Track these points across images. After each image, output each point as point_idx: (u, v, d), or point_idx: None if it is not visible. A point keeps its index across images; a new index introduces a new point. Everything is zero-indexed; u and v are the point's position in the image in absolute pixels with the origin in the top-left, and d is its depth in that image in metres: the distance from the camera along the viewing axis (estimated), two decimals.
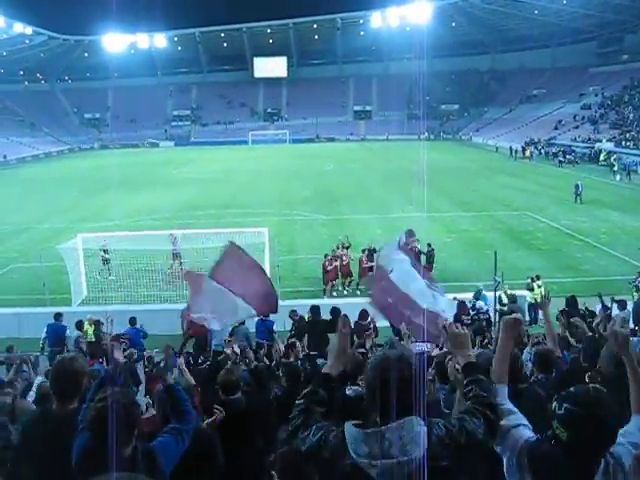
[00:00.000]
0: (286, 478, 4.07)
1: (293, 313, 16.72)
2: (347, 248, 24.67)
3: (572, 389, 3.24)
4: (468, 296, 18.71)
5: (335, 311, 15.89)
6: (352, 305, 16.68)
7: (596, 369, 5.09)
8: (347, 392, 6.39)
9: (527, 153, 72.79)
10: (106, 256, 25.46)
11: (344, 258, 24.19)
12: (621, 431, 3.28)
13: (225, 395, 6.33)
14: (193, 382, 5.85)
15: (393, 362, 3.11)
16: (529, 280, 20.38)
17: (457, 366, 3.82)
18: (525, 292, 20.23)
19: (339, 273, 24.19)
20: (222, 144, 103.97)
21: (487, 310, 17.37)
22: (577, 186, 40.75)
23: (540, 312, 18.70)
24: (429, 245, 24.55)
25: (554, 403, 3.20)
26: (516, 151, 73.36)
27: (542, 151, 74.94)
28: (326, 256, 24.06)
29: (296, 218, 37.82)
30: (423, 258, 23.52)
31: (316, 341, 14.28)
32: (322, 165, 67.52)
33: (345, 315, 3.86)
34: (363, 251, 24.06)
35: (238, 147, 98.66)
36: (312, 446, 3.18)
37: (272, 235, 25.60)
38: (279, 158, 78.63)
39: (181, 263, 26.03)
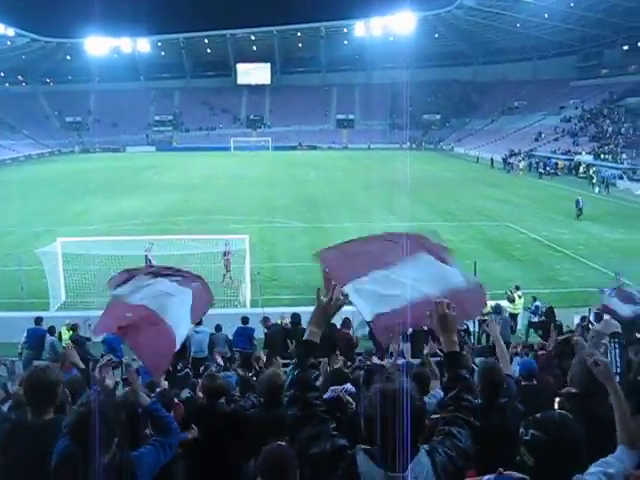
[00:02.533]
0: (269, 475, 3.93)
1: (265, 320, 16.56)
2: None
3: (538, 415, 3.19)
4: None
5: (295, 317, 15.91)
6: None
7: (565, 391, 5.05)
8: (325, 395, 6.42)
9: (521, 166, 72.51)
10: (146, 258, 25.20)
11: None
12: (599, 460, 3.23)
13: (208, 400, 6.30)
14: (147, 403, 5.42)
15: (395, 398, 2.91)
16: (509, 292, 20.45)
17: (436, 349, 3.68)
18: (504, 303, 20.30)
19: None
20: (204, 150, 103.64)
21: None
22: (578, 201, 40.01)
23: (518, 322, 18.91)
24: None
25: (521, 429, 3.14)
26: (509, 164, 73.45)
27: (521, 163, 75.47)
28: None
29: (277, 225, 37.79)
30: None
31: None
32: (304, 173, 67.54)
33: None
34: None
35: (220, 153, 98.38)
36: (322, 454, 3.03)
37: (253, 242, 25.59)
38: (261, 165, 78.51)
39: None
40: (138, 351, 5.55)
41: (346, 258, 5.06)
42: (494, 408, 4.92)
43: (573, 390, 4.66)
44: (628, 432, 3.46)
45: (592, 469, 3.16)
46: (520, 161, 74.89)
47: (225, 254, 24.98)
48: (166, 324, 5.48)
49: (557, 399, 4.80)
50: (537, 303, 19.61)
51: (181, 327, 5.61)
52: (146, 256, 25.24)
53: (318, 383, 7.75)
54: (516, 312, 19.90)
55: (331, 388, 6.73)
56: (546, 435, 3.02)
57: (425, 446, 3.05)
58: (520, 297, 20.16)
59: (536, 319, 18.77)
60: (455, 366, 3.41)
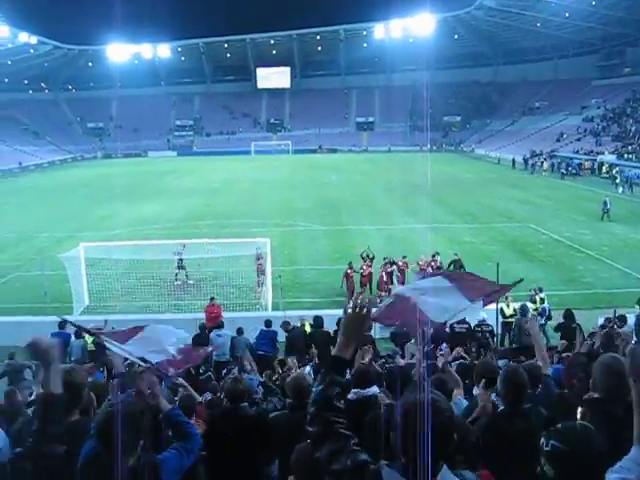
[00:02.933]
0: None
1: (286, 324, 16.50)
2: (371, 259, 24.58)
3: (559, 425, 3.15)
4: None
5: (317, 319, 15.88)
6: None
7: (587, 397, 4.92)
8: (349, 396, 6.42)
9: (545, 166, 72.18)
10: (181, 261, 25.56)
11: (364, 268, 24.12)
12: (616, 465, 3.11)
13: (232, 404, 6.32)
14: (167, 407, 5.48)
15: (422, 410, 2.83)
16: (532, 292, 20.28)
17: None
18: (528, 304, 20.11)
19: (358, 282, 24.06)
20: (225, 154, 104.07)
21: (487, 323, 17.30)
22: (605, 203, 39.32)
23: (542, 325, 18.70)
24: (455, 255, 24.99)
25: (542, 439, 3.10)
26: (533, 165, 72.94)
27: (543, 163, 74.88)
28: (350, 265, 23.97)
29: (298, 229, 37.83)
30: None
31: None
32: (324, 176, 67.63)
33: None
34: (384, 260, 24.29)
35: (241, 157, 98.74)
36: (343, 470, 2.95)
37: (274, 245, 25.66)
38: (281, 169, 78.70)
39: (187, 273, 26.10)
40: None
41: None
42: (518, 413, 4.85)
43: (595, 395, 4.54)
44: None
45: (610, 475, 3.07)
46: (543, 161, 74.43)
47: (258, 258, 25.03)
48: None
49: (580, 409, 4.70)
50: (545, 305, 19.38)
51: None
52: (180, 260, 25.48)
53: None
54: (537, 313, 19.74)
55: (353, 391, 6.70)
56: (567, 446, 2.98)
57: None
58: (543, 299, 19.94)
59: (543, 321, 18.56)
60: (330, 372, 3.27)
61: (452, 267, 24.43)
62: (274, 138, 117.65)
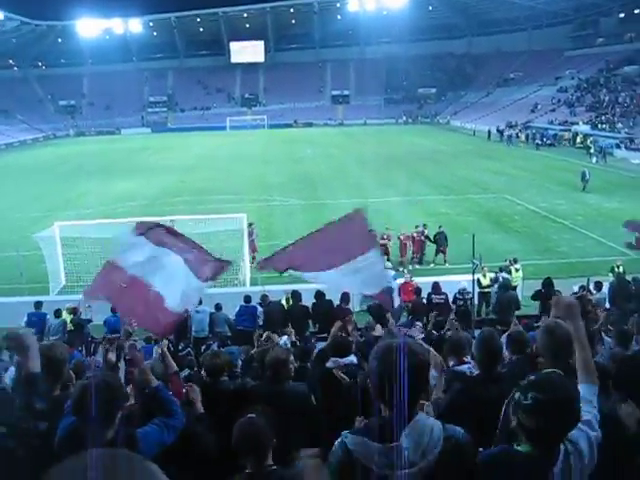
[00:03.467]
0: None
1: (264, 298, 16.55)
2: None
3: (532, 377, 3.22)
4: (446, 278, 18.97)
5: (295, 294, 15.96)
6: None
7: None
8: (327, 364, 6.54)
9: (522, 137, 72.43)
10: None
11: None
12: None
13: (211, 378, 6.34)
14: (175, 369, 5.78)
15: (401, 352, 3.02)
16: (507, 263, 20.49)
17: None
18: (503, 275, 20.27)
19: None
20: (199, 130, 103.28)
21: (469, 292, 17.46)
22: (584, 174, 39.34)
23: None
24: (439, 227, 25.19)
25: (516, 395, 3.13)
26: (510, 136, 73.18)
27: (519, 134, 75.16)
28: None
29: (274, 204, 37.77)
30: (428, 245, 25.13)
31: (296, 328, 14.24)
32: (300, 150, 67.37)
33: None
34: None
35: (216, 133, 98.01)
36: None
37: (250, 221, 25.56)
38: (257, 144, 78.29)
39: None
40: (131, 316, 5.98)
41: (302, 255, 6.31)
42: (492, 379, 4.92)
43: (541, 359, 4.70)
44: (590, 369, 3.57)
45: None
46: (519, 133, 74.75)
47: (250, 235, 25.01)
48: (153, 287, 5.61)
49: (539, 359, 4.81)
50: (502, 274, 19.49)
51: (174, 288, 5.71)
52: None
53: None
54: (513, 285, 19.85)
55: (332, 359, 6.77)
56: (548, 396, 3.04)
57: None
58: (517, 270, 20.10)
59: (496, 289, 18.63)
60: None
61: (437, 240, 24.71)
62: (249, 113, 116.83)
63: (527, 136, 72.31)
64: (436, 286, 17.21)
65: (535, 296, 16.90)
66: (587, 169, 40.61)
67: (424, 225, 25.26)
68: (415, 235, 24.74)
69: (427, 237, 24.84)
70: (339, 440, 3.13)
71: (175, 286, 5.74)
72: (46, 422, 4.23)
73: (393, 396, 2.93)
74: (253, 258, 24.77)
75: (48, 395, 4.50)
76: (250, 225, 25.28)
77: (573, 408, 3.09)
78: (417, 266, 24.75)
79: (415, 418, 3.02)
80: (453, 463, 3.02)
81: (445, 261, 24.53)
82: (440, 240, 24.61)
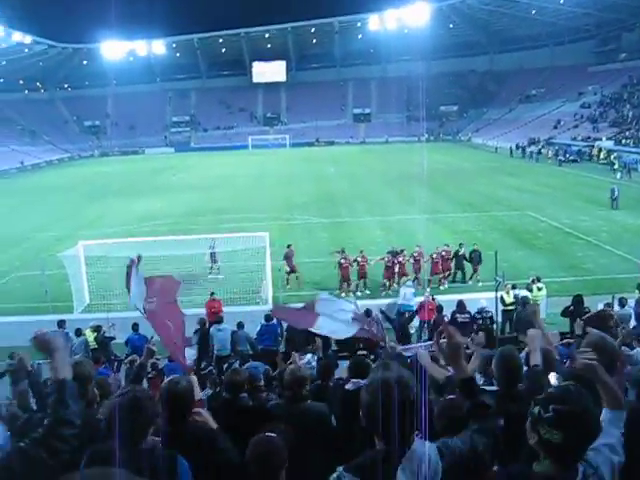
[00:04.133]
0: None
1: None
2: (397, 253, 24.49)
3: (551, 390, 3.17)
4: (469, 296, 18.80)
5: None
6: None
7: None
8: (347, 386, 6.53)
9: (549, 153, 71.83)
10: (215, 256, 25.94)
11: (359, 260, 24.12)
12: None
13: (230, 395, 6.34)
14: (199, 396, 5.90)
15: (392, 386, 3.01)
16: (530, 281, 20.24)
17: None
18: (526, 292, 19.99)
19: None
20: (222, 149, 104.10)
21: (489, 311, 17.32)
22: (613, 190, 38.55)
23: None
24: (475, 245, 24.99)
25: (535, 409, 3.10)
26: (532, 153, 72.75)
27: (542, 150, 74.78)
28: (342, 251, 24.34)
29: (296, 222, 37.84)
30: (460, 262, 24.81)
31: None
32: (322, 169, 67.61)
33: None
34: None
35: (238, 152, 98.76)
36: None
37: (272, 239, 25.64)
38: (279, 162, 78.74)
39: (219, 267, 26.29)
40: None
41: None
42: (511, 397, 4.87)
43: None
44: (612, 394, 3.44)
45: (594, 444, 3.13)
46: (548, 149, 74.28)
47: (289, 257, 25.16)
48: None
49: (552, 374, 4.76)
50: (516, 292, 19.17)
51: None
52: (212, 254, 25.56)
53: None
54: (537, 302, 19.51)
55: (352, 381, 6.74)
56: (569, 407, 2.98)
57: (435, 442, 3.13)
58: (540, 289, 19.73)
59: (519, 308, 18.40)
60: (471, 393, 3.64)
61: (471, 258, 24.41)
62: (271, 132, 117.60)
63: (555, 152, 71.43)
64: (460, 304, 17.02)
65: (564, 313, 16.63)
66: (616, 186, 39.91)
67: (460, 244, 24.95)
68: (444, 253, 24.52)
69: (463, 256, 24.56)
70: (334, 477, 3.09)
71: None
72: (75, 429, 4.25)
73: (387, 430, 2.95)
74: (288, 279, 24.79)
75: (78, 405, 4.53)
76: (289, 246, 25.49)
77: (594, 419, 3.05)
78: (446, 285, 24.36)
79: (411, 447, 2.99)
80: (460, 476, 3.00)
81: (478, 280, 24.04)
82: (475, 258, 24.38)
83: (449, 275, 24.82)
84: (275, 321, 16.31)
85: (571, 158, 67.51)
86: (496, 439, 3.31)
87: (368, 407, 3.08)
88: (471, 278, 24.56)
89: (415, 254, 23.97)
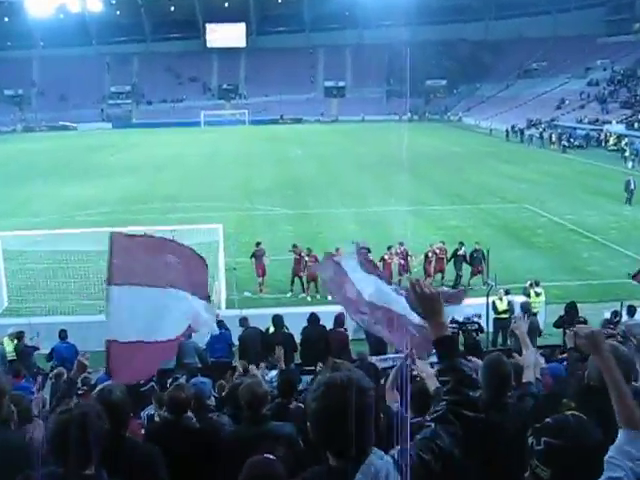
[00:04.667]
0: None
1: (243, 322, 16.43)
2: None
3: (549, 420, 3.14)
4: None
5: (277, 319, 15.88)
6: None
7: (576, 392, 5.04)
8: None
9: (553, 138, 71.51)
10: None
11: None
12: (607, 456, 3.13)
13: (173, 415, 6.27)
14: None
15: (343, 389, 2.87)
16: (527, 285, 20.33)
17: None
18: (522, 298, 20.01)
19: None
20: (169, 126, 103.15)
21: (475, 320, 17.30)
22: (628, 183, 38.51)
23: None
24: (477, 244, 24.87)
25: (529, 439, 3.09)
26: (540, 136, 73.09)
27: (543, 134, 75.33)
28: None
29: (257, 213, 37.73)
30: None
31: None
32: (287, 150, 67.57)
33: None
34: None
35: (188, 130, 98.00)
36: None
37: (228, 233, 25.51)
38: (237, 142, 78.44)
39: None
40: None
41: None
42: (496, 406, 4.95)
43: (592, 383, 4.63)
44: (627, 410, 3.32)
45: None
46: (543, 132, 74.83)
47: (258, 256, 24.93)
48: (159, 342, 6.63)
49: (564, 400, 4.78)
50: (511, 298, 19.28)
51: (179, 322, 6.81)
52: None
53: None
54: (533, 311, 19.51)
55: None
56: (563, 441, 2.98)
57: (392, 451, 3.03)
58: (538, 294, 19.83)
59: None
60: (448, 355, 3.33)
61: (472, 259, 24.39)
62: (227, 106, 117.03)
63: (559, 136, 71.55)
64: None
65: (557, 323, 16.79)
66: (632, 177, 40.18)
67: (460, 243, 24.92)
68: (438, 252, 24.53)
69: (463, 257, 24.56)
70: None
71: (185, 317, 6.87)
72: None
73: (339, 442, 2.85)
74: (261, 284, 24.67)
75: None
76: (258, 245, 25.23)
77: (593, 458, 3.02)
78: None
79: (366, 461, 2.90)
80: None
81: (484, 283, 23.38)
82: (477, 259, 24.36)
83: (443, 278, 24.89)
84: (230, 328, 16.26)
85: (576, 143, 68.15)
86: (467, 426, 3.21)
87: (314, 416, 2.94)
88: (469, 284, 24.37)
89: (399, 252, 23.97)
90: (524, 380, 5.98)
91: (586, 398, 4.18)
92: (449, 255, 24.81)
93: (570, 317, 15.86)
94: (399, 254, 23.96)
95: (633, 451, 3.17)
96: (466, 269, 24.88)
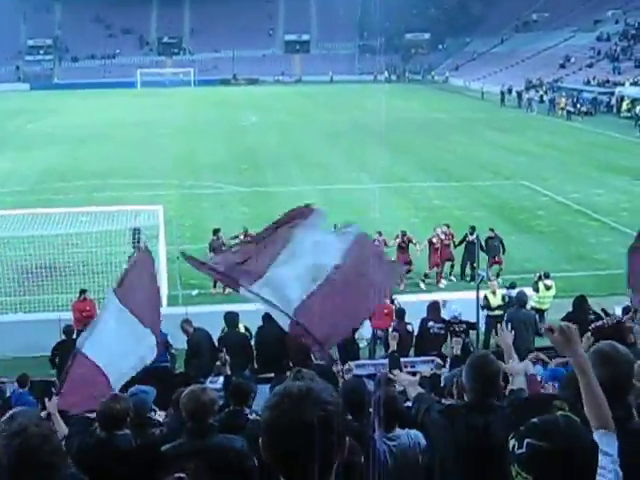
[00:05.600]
0: None
1: (186, 324, 16.30)
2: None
3: (535, 420, 3.17)
4: (437, 297, 18.72)
5: (229, 317, 15.86)
6: None
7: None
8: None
9: (562, 102, 69.87)
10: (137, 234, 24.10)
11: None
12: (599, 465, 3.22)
13: (105, 431, 6.25)
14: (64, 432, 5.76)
15: (299, 400, 2.72)
16: (536, 277, 20.30)
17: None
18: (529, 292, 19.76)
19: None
20: (99, 87, 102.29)
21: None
22: None
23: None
24: (491, 230, 24.57)
25: (511, 442, 3.12)
26: (540, 99, 73.08)
27: (544, 98, 75.67)
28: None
29: (204, 192, 37.59)
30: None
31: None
32: (241, 117, 67.59)
33: None
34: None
35: (122, 91, 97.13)
36: None
37: (170, 216, 25.46)
38: (180, 107, 78.18)
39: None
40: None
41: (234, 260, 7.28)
42: (480, 408, 5.02)
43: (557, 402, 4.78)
44: (603, 413, 3.67)
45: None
46: (541, 93, 75.14)
47: (217, 245, 24.50)
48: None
49: (555, 402, 4.85)
50: (511, 292, 19.26)
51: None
52: (136, 231, 23.96)
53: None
54: (542, 307, 19.62)
55: None
56: (549, 444, 3.00)
57: None
58: (549, 287, 19.89)
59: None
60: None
61: (486, 246, 24.09)
62: (169, 64, 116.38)
63: (564, 101, 70.76)
64: (434, 309, 16.85)
65: (565, 320, 16.71)
66: None
67: (472, 227, 24.72)
68: (443, 237, 24.39)
69: (476, 243, 24.04)
70: None
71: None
72: None
73: (290, 465, 2.69)
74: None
75: None
76: (215, 233, 24.82)
77: (582, 465, 3.03)
78: (444, 283, 24.44)
79: None
80: None
81: (498, 275, 23.47)
82: (494, 248, 24.09)
83: (452, 268, 24.90)
84: (165, 329, 16.16)
85: (583, 109, 68.37)
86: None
87: (267, 432, 2.77)
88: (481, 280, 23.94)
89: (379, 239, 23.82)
90: (514, 387, 6.07)
91: (580, 399, 4.25)
92: (456, 241, 24.61)
93: (581, 313, 15.83)
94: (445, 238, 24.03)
95: (611, 452, 3.49)
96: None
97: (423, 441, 6.34)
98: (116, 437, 6.20)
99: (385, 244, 22.87)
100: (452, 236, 24.62)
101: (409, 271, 23.67)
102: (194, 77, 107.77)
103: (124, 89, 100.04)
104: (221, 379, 11.72)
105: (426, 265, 24.36)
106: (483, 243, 23.78)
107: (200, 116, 69.89)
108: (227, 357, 11.24)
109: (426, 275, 24.36)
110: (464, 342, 16.21)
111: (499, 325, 7.00)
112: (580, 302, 16.32)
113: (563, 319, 16.67)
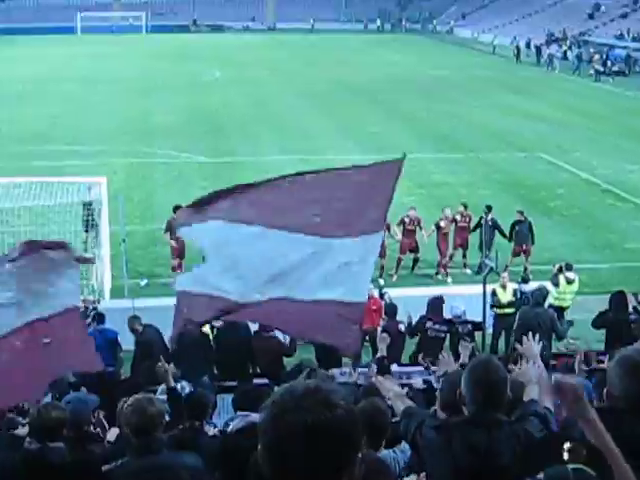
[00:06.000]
0: None
1: (135, 321, 16.19)
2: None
3: (548, 471, 3.22)
4: (437, 291, 18.72)
5: None
6: None
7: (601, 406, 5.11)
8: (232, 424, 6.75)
9: (595, 57, 69.30)
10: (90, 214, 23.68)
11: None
12: None
13: (38, 443, 6.26)
14: None
15: (305, 403, 2.63)
16: (556, 269, 20.16)
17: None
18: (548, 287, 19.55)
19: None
20: (31, 33, 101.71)
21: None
22: None
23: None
24: (520, 213, 24.25)
25: None
26: (564, 56, 73.05)
27: (568, 54, 75.74)
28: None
29: (156, 161, 37.50)
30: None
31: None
32: (202, 72, 67.20)
33: None
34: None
35: (59, 39, 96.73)
36: None
37: (115, 189, 25.38)
38: (129, 59, 77.81)
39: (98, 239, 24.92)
40: None
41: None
42: (482, 423, 5.04)
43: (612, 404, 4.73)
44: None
45: None
46: (564, 48, 75.26)
47: (173, 229, 24.12)
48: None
49: (566, 445, 4.85)
50: (523, 287, 19.30)
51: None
52: (88, 207, 23.70)
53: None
54: (563, 304, 19.50)
55: (240, 414, 6.81)
56: None
57: None
58: (571, 282, 19.68)
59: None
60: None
61: (516, 233, 23.73)
62: (116, 6, 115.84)
63: (591, 58, 70.23)
64: (435, 306, 16.83)
65: (598, 322, 16.48)
66: None
67: (488, 207, 24.37)
68: (459, 218, 24.08)
69: (494, 226, 23.70)
70: None
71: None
72: None
73: (296, 477, 2.61)
74: (175, 265, 23.75)
75: None
76: (176, 209, 24.21)
77: None
78: (465, 270, 24.30)
79: None
80: None
81: (526, 268, 23.32)
82: (522, 235, 23.76)
83: (465, 256, 24.52)
84: (111, 325, 16.14)
85: (615, 68, 68.35)
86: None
87: (263, 434, 2.71)
88: (506, 268, 22.61)
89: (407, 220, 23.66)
90: (525, 398, 6.07)
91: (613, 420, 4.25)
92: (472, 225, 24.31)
93: (620, 312, 15.71)
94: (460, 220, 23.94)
95: None
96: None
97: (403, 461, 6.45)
98: (49, 450, 6.20)
99: (387, 229, 21.17)
100: (469, 218, 24.29)
101: (416, 260, 23.73)
102: (146, 22, 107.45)
103: (62, 35, 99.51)
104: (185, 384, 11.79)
105: (437, 254, 24.18)
106: (503, 227, 23.80)
107: (153, 70, 69.52)
108: (167, 365, 11.28)
109: (444, 267, 24.00)
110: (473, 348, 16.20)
111: (524, 337, 6.82)
112: (619, 298, 16.13)
113: (599, 317, 16.54)
